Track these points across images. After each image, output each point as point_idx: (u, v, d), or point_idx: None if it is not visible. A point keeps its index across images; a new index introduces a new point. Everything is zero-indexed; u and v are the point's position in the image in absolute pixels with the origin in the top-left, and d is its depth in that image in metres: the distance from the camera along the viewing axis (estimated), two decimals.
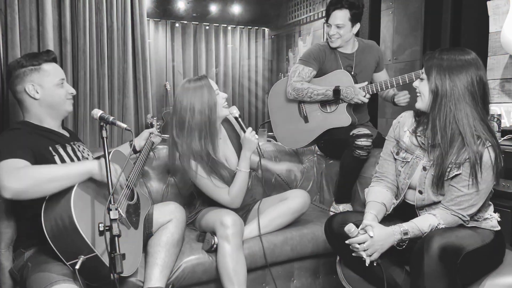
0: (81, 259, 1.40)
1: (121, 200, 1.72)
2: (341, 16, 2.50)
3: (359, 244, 1.59)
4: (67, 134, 1.84)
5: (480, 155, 1.53)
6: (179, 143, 2.03)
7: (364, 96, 2.47)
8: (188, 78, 2.09)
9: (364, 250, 1.59)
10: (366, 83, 2.52)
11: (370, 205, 1.76)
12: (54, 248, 1.48)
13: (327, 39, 2.66)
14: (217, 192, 2.06)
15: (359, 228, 1.61)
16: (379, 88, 2.48)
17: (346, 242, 1.59)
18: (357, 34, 3.03)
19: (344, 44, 2.60)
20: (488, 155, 1.53)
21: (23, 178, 1.45)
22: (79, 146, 1.85)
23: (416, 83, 1.70)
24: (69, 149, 1.76)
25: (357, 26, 2.57)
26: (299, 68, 2.63)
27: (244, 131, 2.09)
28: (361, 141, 2.32)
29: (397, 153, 1.80)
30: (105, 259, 1.45)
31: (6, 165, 1.47)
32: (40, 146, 1.64)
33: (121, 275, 1.49)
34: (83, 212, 1.49)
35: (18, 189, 1.43)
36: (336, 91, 2.50)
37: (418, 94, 1.68)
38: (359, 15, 2.56)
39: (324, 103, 2.62)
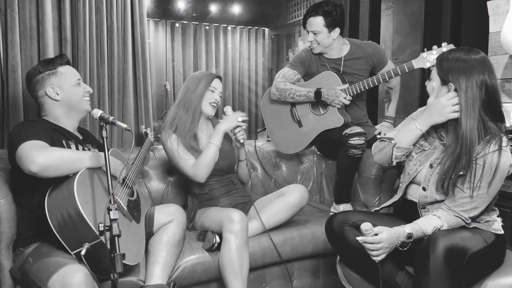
0: (86, 246, 1.42)
1: (122, 193, 1.76)
2: (316, 23, 2.49)
3: (370, 243, 1.56)
4: (80, 137, 1.90)
5: (486, 158, 1.53)
6: (173, 113, 2.22)
7: (345, 98, 2.45)
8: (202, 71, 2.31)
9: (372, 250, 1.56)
10: (347, 85, 2.50)
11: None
12: (60, 238, 1.52)
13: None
14: (182, 161, 2.12)
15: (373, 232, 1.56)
16: (361, 87, 2.45)
17: (358, 238, 1.57)
18: (356, 35, 3.02)
19: (325, 50, 2.58)
20: (495, 159, 1.52)
21: (51, 155, 1.56)
22: (89, 149, 1.88)
23: (426, 82, 1.71)
24: (80, 149, 1.82)
25: (337, 31, 2.53)
26: (284, 71, 2.66)
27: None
28: (354, 140, 2.33)
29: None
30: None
31: (32, 144, 1.57)
32: (55, 139, 1.71)
33: (128, 263, 1.57)
34: (86, 200, 1.55)
35: (45, 164, 1.53)
36: (318, 93, 2.51)
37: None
38: (337, 21, 2.51)
39: (315, 106, 2.62)
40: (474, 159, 1.55)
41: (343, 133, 2.37)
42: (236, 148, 2.32)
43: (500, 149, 1.53)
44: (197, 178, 2.11)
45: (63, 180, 1.61)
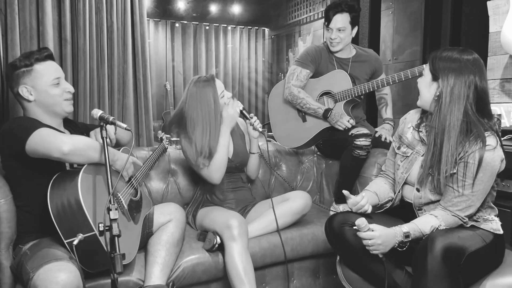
0: (79, 237, 1.43)
1: (126, 192, 1.76)
2: (342, 19, 2.53)
3: (365, 239, 1.58)
4: (68, 133, 1.83)
5: (475, 156, 1.53)
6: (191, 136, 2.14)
7: (348, 121, 2.48)
8: (198, 77, 2.20)
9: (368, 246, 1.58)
10: (349, 119, 2.49)
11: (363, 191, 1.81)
12: (56, 225, 1.52)
13: (325, 41, 2.69)
14: (199, 167, 2.13)
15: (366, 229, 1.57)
16: (379, 84, 2.48)
17: (358, 233, 1.59)
18: (357, 35, 3.04)
19: (344, 48, 2.62)
20: (483, 155, 1.53)
21: (77, 139, 1.59)
22: None
23: (418, 79, 1.72)
24: None
25: (355, 29, 2.60)
26: (296, 71, 2.64)
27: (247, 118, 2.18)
28: (360, 140, 2.33)
29: (398, 148, 1.81)
30: (103, 240, 1.50)
31: (48, 130, 1.58)
32: None
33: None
34: (88, 192, 1.57)
35: (74, 146, 1.54)
36: (326, 112, 2.54)
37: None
38: (358, 18, 2.61)
39: (322, 103, 2.63)
40: (461, 157, 1.55)
41: (350, 133, 2.37)
42: (248, 141, 2.33)
43: (484, 145, 1.53)
44: (213, 181, 2.14)
45: (69, 170, 1.63)
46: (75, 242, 1.41)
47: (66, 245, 1.52)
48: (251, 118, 2.17)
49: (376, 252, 1.57)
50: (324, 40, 2.73)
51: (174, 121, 2.20)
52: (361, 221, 1.56)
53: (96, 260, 1.55)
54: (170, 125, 2.22)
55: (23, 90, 1.68)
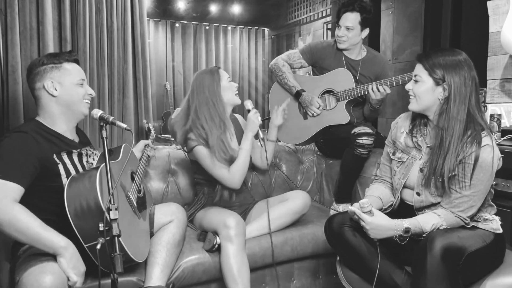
0: (101, 241, 1.40)
1: (133, 190, 1.77)
2: (352, 18, 2.53)
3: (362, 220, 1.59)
4: (76, 140, 1.80)
5: (475, 156, 1.54)
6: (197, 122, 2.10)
7: (318, 108, 2.59)
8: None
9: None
10: (318, 106, 2.60)
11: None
12: (75, 229, 1.49)
13: (335, 39, 2.68)
14: (217, 168, 2.07)
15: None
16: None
17: (350, 208, 1.61)
18: None
19: (351, 47, 2.62)
20: (483, 156, 1.53)
21: (1, 211, 1.41)
22: (87, 151, 1.82)
23: (409, 86, 1.70)
24: (74, 156, 1.73)
25: (366, 31, 2.60)
26: (293, 52, 2.73)
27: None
28: (362, 139, 2.33)
29: (393, 153, 1.81)
30: (123, 242, 1.49)
31: (3, 187, 1.44)
32: (44, 154, 1.61)
33: (138, 260, 1.59)
34: (106, 193, 1.52)
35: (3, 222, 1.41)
36: (298, 93, 2.63)
37: (411, 96, 1.69)
38: (369, 20, 2.58)
39: (324, 100, 2.64)
40: (461, 158, 1.56)
41: (352, 132, 2.37)
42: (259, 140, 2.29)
43: (480, 145, 1.54)
44: (234, 184, 2.11)
45: (84, 172, 1.62)
46: (98, 247, 1.37)
47: (87, 250, 1.50)
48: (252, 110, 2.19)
49: (368, 234, 1.59)
50: (335, 38, 2.72)
51: (180, 124, 2.15)
52: (365, 202, 1.58)
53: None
54: (178, 131, 2.15)
55: (48, 84, 1.67)
